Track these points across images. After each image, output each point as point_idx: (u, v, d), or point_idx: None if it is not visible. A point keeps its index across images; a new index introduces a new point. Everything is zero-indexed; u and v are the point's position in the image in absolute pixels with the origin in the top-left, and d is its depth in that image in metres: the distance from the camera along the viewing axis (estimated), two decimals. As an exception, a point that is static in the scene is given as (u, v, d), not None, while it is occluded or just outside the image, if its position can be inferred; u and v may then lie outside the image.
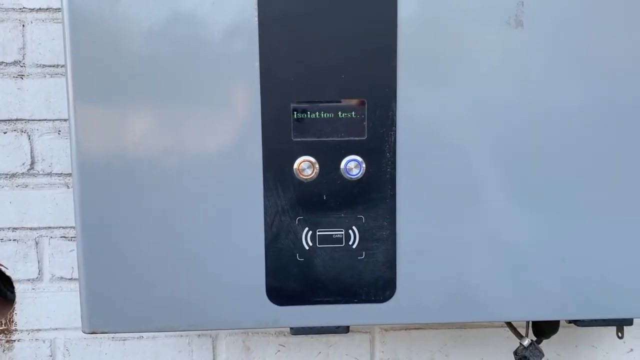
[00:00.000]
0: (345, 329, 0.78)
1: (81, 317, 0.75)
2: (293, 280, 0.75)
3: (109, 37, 0.71)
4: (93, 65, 0.71)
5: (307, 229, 0.75)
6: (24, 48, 1.00)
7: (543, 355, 0.93)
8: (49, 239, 1.04)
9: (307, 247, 0.75)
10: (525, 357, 0.92)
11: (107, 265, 0.74)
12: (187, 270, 0.75)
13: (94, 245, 0.74)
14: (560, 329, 0.94)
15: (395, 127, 0.73)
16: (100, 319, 0.75)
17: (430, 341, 1.09)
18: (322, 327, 0.77)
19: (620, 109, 0.75)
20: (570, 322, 0.82)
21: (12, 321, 1.05)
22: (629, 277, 0.78)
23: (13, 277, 1.04)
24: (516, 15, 0.72)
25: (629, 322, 0.81)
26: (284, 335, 1.08)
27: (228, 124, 0.73)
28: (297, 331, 0.78)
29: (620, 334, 0.91)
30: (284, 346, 1.09)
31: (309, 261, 0.75)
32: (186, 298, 0.75)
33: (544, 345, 0.98)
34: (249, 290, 0.75)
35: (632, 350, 1.11)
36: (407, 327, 1.09)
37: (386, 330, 1.09)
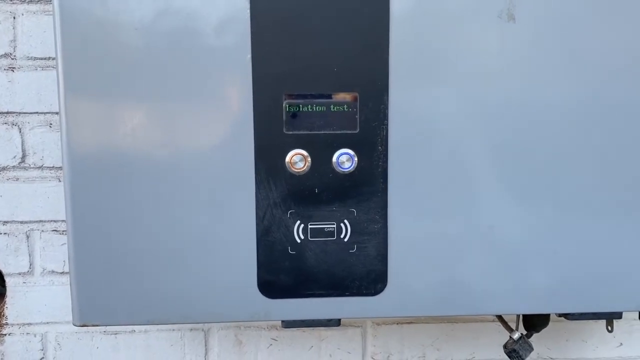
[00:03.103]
0: (336, 322, 0.78)
1: (72, 310, 0.75)
2: (285, 274, 0.75)
3: (99, 29, 0.70)
4: (84, 58, 0.71)
5: (298, 222, 0.75)
6: (14, 40, 0.99)
7: (532, 349, 0.93)
8: (40, 233, 1.03)
9: (298, 241, 0.75)
10: (515, 350, 0.92)
11: (98, 258, 0.74)
12: (179, 263, 0.75)
13: (84, 238, 0.74)
14: (550, 323, 0.95)
15: (387, 120, 0.73)
16: (91, 311, 0.75)
17: (422, 335, 1.10)
18: (313, 320, 0.77)
19: (612, 105, 0.75)
20: (560, 315, 0.82)
21: (3, 315, 1.05)
22: (618, 271, 0.78)
23: (4, 271, 1.04)
24: (508, 9, 0.72)
25: (619, 315, 0.81)
26: (276, 329, 1.08)
27: (220, 116, 0.73)
28: (288, 324, 0.78)
29: (610, 328, 0.92)
30: (277, 340, 1.09)
31: (301, 254, 0.75)
32: (177, 291, 0.75)
33: (535, 339, 0.99)
34: (241, 283, 0.75)
35: (621, 344, 1.12)
36: (399, 321, 1.09)
37: (378, 324, 1.09)
